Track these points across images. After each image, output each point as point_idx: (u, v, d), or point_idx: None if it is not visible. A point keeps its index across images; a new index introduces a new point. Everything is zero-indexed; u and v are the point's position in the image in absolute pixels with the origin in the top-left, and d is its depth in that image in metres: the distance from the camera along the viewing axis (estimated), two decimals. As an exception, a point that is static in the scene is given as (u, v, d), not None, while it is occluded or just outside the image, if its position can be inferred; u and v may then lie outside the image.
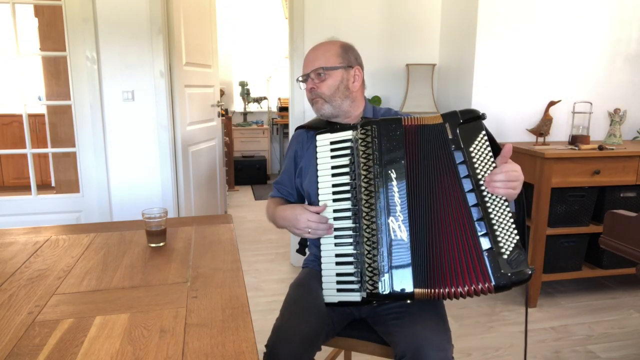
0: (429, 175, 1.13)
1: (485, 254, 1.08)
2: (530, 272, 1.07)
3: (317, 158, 1.26)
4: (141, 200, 2.72)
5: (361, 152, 1.17)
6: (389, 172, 1.14)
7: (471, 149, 1.11)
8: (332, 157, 1.24)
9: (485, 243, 1.08)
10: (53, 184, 3.15)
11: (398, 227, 1.12)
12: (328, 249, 1.22)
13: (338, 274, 1.21)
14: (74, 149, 2.64)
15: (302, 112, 2.91)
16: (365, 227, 1.15)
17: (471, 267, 1.09)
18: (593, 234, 2.57)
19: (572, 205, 2.50)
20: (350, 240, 1.20)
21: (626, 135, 2.91)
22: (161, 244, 1.34)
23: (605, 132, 2.83)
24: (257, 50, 5.88)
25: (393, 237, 1.12)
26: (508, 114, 2.72)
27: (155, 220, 1.32)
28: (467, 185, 1.10)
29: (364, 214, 1.15)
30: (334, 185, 1.23)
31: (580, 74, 2.76)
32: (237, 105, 5.94)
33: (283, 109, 5.60)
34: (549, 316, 2.44)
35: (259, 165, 5.61)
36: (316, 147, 1.26)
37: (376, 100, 2.95)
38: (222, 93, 4.93)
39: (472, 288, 1.08)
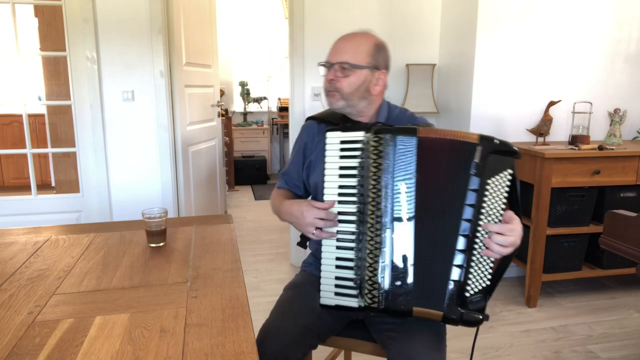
0: (440, 192, 1.09)
1: (451, 283, 1.07)
2: (481, 319, 1.07)
3: (325, 156, 1.19)
4: (141, 200, 2.72)
5: (372, 161, 1.12)
6: (399, 184, 1.09)
7: (489, 181, 1.05)
8: (342, 156, 1.18)
9: (455, 274, 1.07)
10: (53, 184, 3.15)
11: (403, 244, 1.09)
12: (329, 251, 1.19)
13: (337, 278, 1.18)
14: (74, 149, 2.64)
15: (302, 112, 2.91)
16: (369, 238, 1.11)
17: (438, 291, 1.08)
18: (593, 234, 2.57)
19: (572, 205, 2.50)
20: (352, 245, 1.16)
21: (626, 135, 2.91)
22: (161, 244, 1.34)
23: (605, 132, 2.83)
24: (257, 50, 5.88)
25: (396, 253, 1.09)
26: (508, 114, 2.72)
27: (155, 220, 1.32)
28: (467, 213, 1.07)
29: (369, 225, 1.11)
30: (340, 187, 1.18)
31: (580, 74, 2.76)
32: (237, 105, 5.94)
33: (283, 109, 5.60)
34: (549, 316, 2.44)
35: (259, 165, 5.60)
36: (325, 143, 1.20)
37: (376, 100, 2.95)
38: (222, 93, 4.93)
39: (425, 310, 1.09)
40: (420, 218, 1.09)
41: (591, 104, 2.69)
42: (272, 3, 5.70)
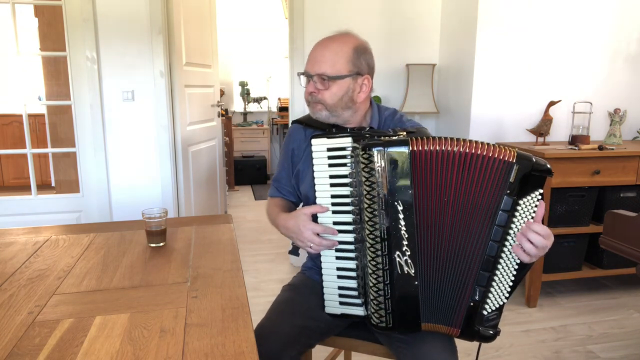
0: (456, 208, 1.03)
1: (471, 303, 1.07)
2: (494, 335, 1.08)
3: (313, 165, 1.14)
4: (141, 200, 2.72)
5: (364, 179, 1.04)
6: (396, 203, 1.02)
7: (521, 202, 1.00)
8: (330, 165, 1.12)
9: (476, 294, 1.06)
10: (53, 184, 3.15)
11: (405, 262, 1.05)
12: (329, 261, 1.16)
13: (340, 287, 1.16)
14: (74, 149, 2.64)
15: (302, 112, 2.91)
16: (370, 259, 1.06)
17: (452, 309, 1.09)
18: (593, 234, 2.57)
19: (572, 205, 2.49)
20: (352, 254, 1.14)
21: (626, 135, 2.91)
22: (161, 244, 1.34)
23: (605, 132, 2.83)
24: (257, 50, 5.88)
25: (399, 272, 1.05)
26: (508, 114, 2.72)
27: (155, 220, 1.32)
28: (495, 234, 1.02)
29: (369, 245, 1.06)
30: (333, 196, 1.13)
31: (580, 74, 2.76)
32: (237, 105, 5.94)
33: (283, 109, 5.60)
34: (549, 316, 2.44)
35: (259, 165, 5.60)
36: (311, 152, 1.14)
37: (376, 100, 2.95)
38: (222, 93, 4.92)
39: (442, 327, 1.10)
40: (425, 235, 1.05)
41: (591, 104, 2.69)
42: (272, 3, 5.69)
